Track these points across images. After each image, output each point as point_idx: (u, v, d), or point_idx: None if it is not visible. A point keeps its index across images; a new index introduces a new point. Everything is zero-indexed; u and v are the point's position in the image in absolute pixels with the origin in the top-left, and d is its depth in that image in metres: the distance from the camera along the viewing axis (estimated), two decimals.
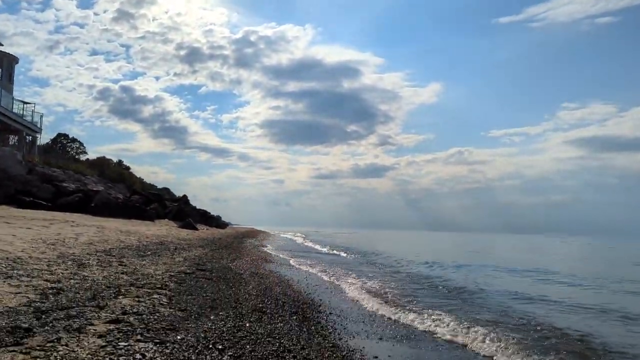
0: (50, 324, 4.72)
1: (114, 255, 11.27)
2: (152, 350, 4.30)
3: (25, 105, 35.86)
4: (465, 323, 7.52)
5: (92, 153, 57.15)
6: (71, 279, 7.37)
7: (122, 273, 8.76)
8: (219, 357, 4.38)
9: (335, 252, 27.82)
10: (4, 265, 7.45)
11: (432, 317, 8.00)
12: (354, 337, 6.50)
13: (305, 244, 36.78)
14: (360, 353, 5.61)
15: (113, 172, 49.95)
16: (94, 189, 30.43)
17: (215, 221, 47.05)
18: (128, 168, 58.44)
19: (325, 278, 13.57)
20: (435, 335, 6.97)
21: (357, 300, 9.77)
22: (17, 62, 37.14)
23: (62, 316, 5.09)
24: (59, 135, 54.93)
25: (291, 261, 18.79)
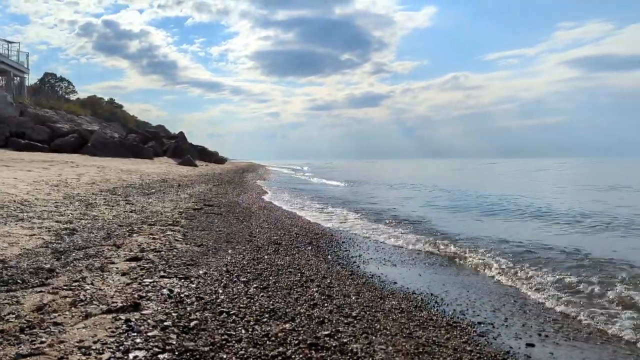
0: (72, 264, 4.69)
1: (119, 195, 11.22)
2: (179, 286, 4.30)
3: (9, 45, 34.53)
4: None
5: (82, 92, 55.76)
6: (82, 219, 7.33)
7: (131, 212, 8.73)
8: (245, 289, 4.39)
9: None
10: (12, 208, 7.38)
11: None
12: (368, 263, 6.57)
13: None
14: (379, 278, 5.68)
15: (105, 110, 49.13)
16: (89, 128, 29.99)
17: (213, 157, 46.84)
18: (120, 106, 57.41)
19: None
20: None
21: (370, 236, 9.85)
22: None
23: (81, 256, 5.06)
24: (46, 74, 53.32)
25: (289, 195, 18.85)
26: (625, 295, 5.15)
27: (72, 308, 3.50)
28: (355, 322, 3.82)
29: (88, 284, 4.09)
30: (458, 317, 4.41)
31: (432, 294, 5.17)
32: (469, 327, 4.12)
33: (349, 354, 3.17)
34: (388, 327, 3.80)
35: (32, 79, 43.48)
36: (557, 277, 5.93)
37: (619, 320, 4.44)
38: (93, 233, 6.36)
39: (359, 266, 6.33)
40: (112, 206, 9.12)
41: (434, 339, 3.67)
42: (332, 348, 3.22)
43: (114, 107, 54.39)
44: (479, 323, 4.27)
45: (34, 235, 5.85)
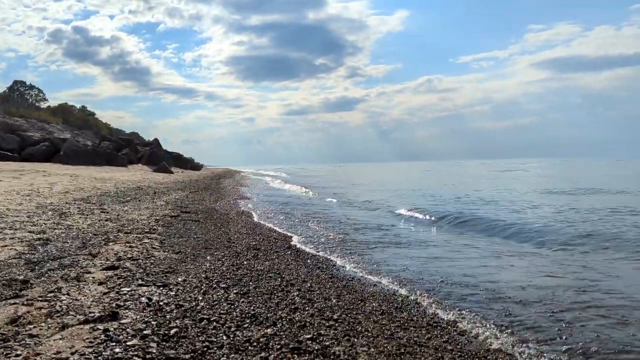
0: (46, 275, 4.59)
1: (93, 203, 11.01)
2: (157, 294, 4.23)
3: None
4: None
5: (52, 100, 54.70)
6: (55, 229, 7.17)
7: (107, 220, 8.58)
8: (226, 296, 4.35)
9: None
10: None
11: None
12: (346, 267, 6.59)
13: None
14: (358, 281, 5.69)
15: (77, 118, 48.27)
16: (61, 137, 29.37)
17: (189, 163, 46.39)
18: (93, 114, 56.49)
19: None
20: None
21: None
22: None
23: (56, 266, 4.95)
24: (16, 82, 52.14)
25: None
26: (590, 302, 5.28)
27: (48, 319, 3.42)
28: (336, 324, 3.83)
29: (64, 295, 4.00)
30: (438, 317, 4.45)
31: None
32: (449, 327, 4.17)
33: (332, 357, 3.17)
34: (369, 329, 3.82)
35: (0, 87, 42.46)
36: (535, 281, 6.05)
37: (592, 322, 4.55)
38: (68, 243, 6.23)
39: (338, 269, 6.34)
40: (87, 215, 8.95)
41: (415, 339, 3.70)
42: (315, 351, 3.22)
43: (86, 115, 53.46)
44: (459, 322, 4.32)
45: (6, 246, 5.70)
